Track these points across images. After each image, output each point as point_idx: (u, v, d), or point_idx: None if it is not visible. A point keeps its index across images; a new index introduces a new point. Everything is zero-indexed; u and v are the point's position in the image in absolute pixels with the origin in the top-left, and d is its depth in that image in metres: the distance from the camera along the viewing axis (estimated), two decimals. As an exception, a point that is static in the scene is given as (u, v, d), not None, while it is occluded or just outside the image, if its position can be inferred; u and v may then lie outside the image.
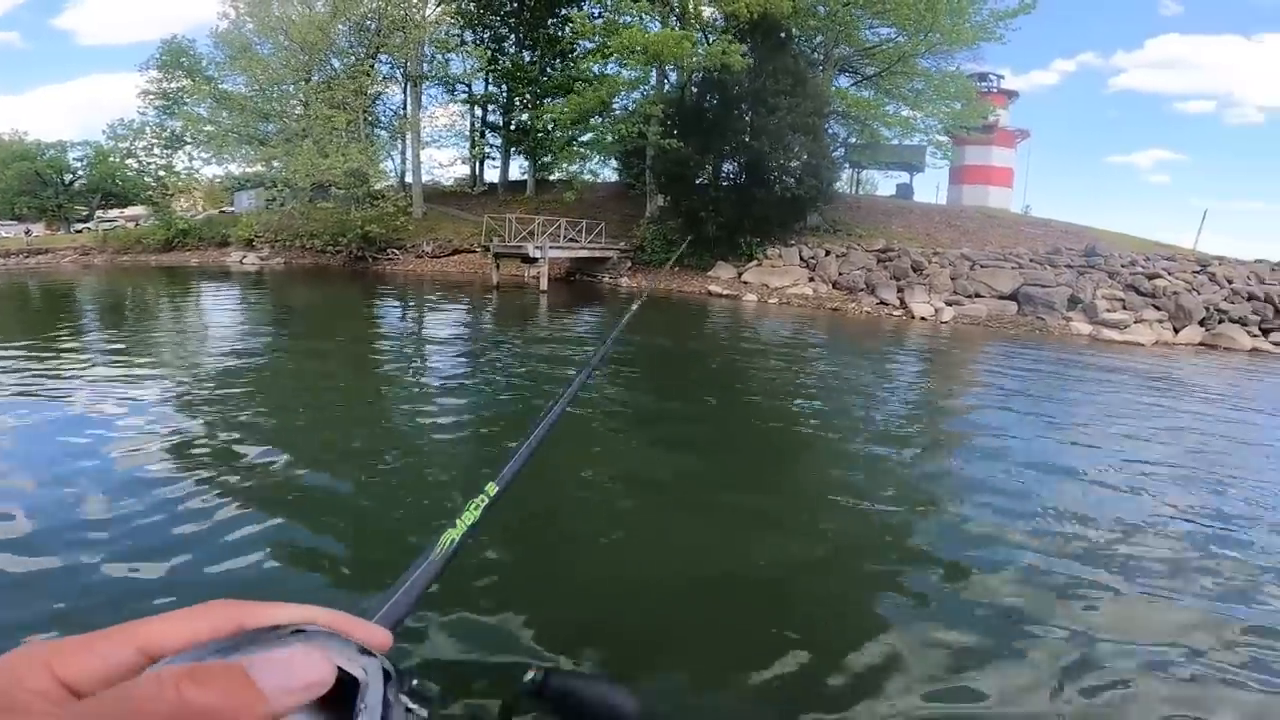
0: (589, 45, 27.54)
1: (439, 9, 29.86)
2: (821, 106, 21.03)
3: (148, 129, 30.87)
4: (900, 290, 17.53)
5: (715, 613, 3.09)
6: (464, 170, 33.24)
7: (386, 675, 0.30)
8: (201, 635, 0.29)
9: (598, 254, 19.78)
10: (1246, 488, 5.44)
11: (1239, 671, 2.82)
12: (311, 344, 10.33)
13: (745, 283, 17.96)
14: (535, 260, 18.34)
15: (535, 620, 2.80)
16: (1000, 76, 31.45)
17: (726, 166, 20.61)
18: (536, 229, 19.43)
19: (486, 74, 30.56)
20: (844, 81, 25.25)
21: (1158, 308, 18.43)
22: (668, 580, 3.33)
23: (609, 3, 22.92)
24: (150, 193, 31.09)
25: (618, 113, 23.71)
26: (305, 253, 27.21)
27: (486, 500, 0.51)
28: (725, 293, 17.27)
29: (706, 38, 22.77)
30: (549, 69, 29.86)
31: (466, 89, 31.62)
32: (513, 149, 31.91)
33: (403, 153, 30.92)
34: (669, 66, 23.31)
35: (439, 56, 30.92)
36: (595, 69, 25.34)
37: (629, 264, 20.21)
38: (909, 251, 18.21)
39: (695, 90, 22.29)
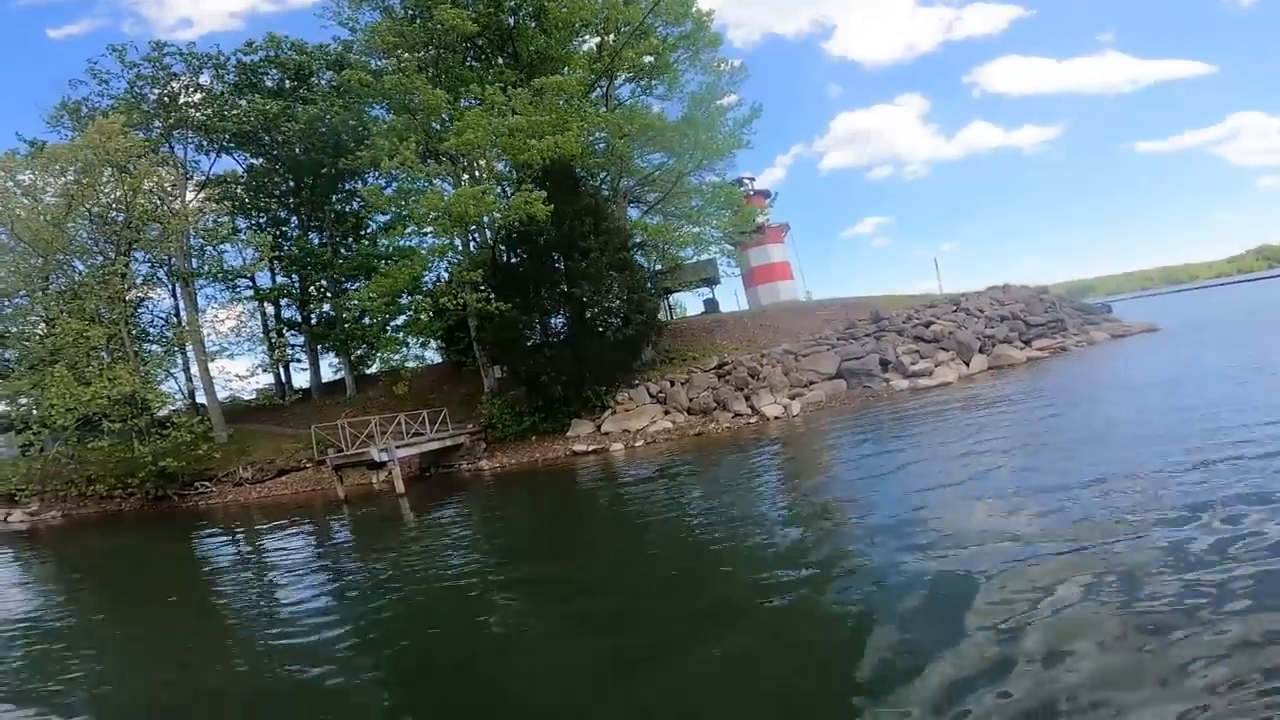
0: (384, 218, 26.56)
1: (199, 195, 27.31)
2: (626, 240, 22.22)
3: None
4: (748, 398, 18.73)
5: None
6: (267, 379, 28.82)
7: None
8: None
9: (449, 443, 18.65)
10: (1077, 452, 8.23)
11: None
12: (135, 606, 9.80)
13: (606, 433, 18.00)
14: (383, 464, 16.89)
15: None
16: (752, 179, 36.03)
17: (554, 321, 20.68)
18: (375, 430, 17.97)
19: (271, 264, 27.66)
20: (634, 213, 27.04)
21: (945, 349, 21.67)
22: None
23: (395, 172, 21.57)
24: None
25: (430, 286, 22.68)
26: (86, 501, 22.52)
27: None
28: (590, 449, 17.13)
29: (505, 191, 22.33)
30: (342, 249, 27.72)
31: (250, 283, 28.26)
32: (320, 346, 28.52)
33: (185, 368, 27.04)
34: (472, 227, 23.11)
35: (209, 249, 27.97)
36: (399, 242, 24.43)
37: (484, 445, 19.29)
38: (741, 361, 19.65)
39: (504, 248, 22.24)
